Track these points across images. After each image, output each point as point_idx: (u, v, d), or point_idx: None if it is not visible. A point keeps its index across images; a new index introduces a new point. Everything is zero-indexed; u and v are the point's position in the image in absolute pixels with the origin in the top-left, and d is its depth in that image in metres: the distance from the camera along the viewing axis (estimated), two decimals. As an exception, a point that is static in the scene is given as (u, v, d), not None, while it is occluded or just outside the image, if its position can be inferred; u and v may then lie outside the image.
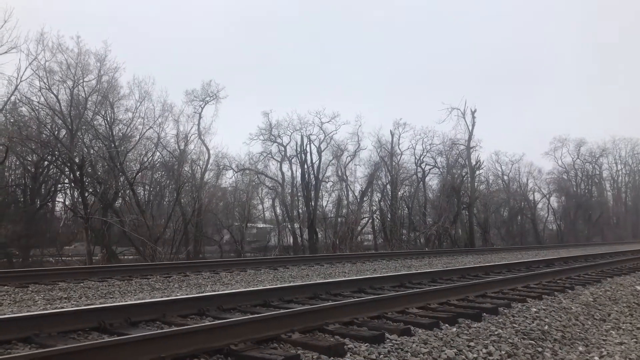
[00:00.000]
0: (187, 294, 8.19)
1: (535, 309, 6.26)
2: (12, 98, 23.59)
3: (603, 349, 4.98)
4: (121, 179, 25.87)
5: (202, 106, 31.77)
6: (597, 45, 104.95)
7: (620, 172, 62.85)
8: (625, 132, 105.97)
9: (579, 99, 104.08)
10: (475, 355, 4.20)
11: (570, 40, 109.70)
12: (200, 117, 31.54)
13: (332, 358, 3.78)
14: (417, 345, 4.25)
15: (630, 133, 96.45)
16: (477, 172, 42.31)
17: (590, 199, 58.84)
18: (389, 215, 38.02)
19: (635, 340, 5.45)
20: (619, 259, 15.96)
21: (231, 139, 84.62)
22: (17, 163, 26.95)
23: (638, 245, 36.53)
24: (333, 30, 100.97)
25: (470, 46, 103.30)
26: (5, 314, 5.67)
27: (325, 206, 37.66)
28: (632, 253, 20.33)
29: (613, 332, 5.82)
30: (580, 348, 4.92)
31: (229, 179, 36.67)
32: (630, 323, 6.33)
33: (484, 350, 4.33)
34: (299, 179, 35.75)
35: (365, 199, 38.30)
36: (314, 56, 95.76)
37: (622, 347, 5.12)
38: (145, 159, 28.86)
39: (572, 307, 6.69)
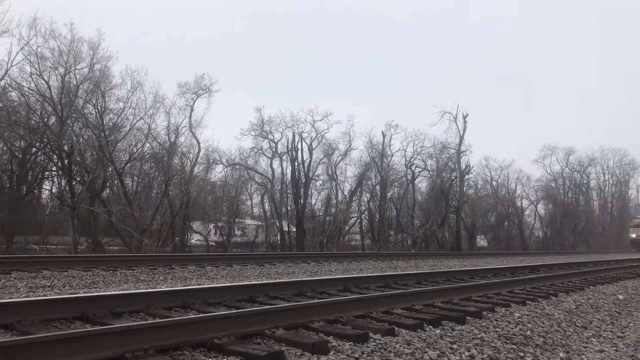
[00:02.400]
0: (172, 287, 8.15)
1: (518, 314, 6.31)
2: (2, 82, 23.34)
3: (583, 356, 5.03)
4: (110, 169, 25.68)
5: (194, 99, 31.67)
6: (590, 55, 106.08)
7: (607, 182, 63.84)
8: (614, 142, 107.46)
9: (569, 107, 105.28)
10: (457, 358, 4.23)
11: (563, 49, 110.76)
12: (192, 110, 31.45)
13: (315, 355, 3.77)
14: (400, 346, 4.26)
15: (619, 144, 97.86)
16: (467, 177, 42.62)
17: (577, 208, 59.47)
18: (377, 216, 38.09)
19: (615, 348, 5.51)
20: (603, 267, 16.14)
21: (222, 133, 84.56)
22: (5, 149, 26.60)
23: (622, 255, 37.00)
24: (329, 30, 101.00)
25: (465, 51, 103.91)
26: (-14, 300, 5.60)
27: (314, 204, 37.71)
28: (615, 262, 20.57)
29: (594, 339, 5.88)
30: (561, 354, 4.97)
31: (218, 173, 36.58)
32: (611, 331, 6.40)
33: (467, 353, 4.36)
34: (289, 176, 35.69)
35: (354, 198, 38.34)
36: (308, 54, 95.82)
37: (602, 354, 5.18)
38: (135, 150, 28.68)
39: (555, 314, 6.76)
